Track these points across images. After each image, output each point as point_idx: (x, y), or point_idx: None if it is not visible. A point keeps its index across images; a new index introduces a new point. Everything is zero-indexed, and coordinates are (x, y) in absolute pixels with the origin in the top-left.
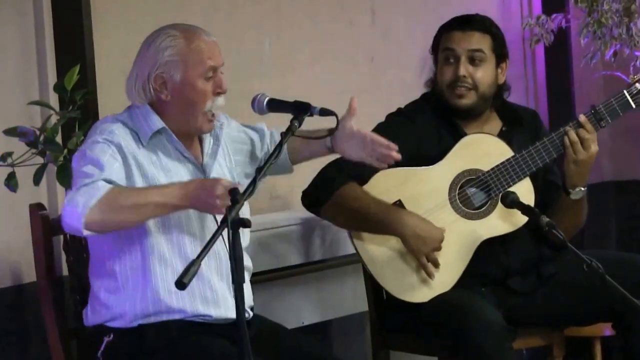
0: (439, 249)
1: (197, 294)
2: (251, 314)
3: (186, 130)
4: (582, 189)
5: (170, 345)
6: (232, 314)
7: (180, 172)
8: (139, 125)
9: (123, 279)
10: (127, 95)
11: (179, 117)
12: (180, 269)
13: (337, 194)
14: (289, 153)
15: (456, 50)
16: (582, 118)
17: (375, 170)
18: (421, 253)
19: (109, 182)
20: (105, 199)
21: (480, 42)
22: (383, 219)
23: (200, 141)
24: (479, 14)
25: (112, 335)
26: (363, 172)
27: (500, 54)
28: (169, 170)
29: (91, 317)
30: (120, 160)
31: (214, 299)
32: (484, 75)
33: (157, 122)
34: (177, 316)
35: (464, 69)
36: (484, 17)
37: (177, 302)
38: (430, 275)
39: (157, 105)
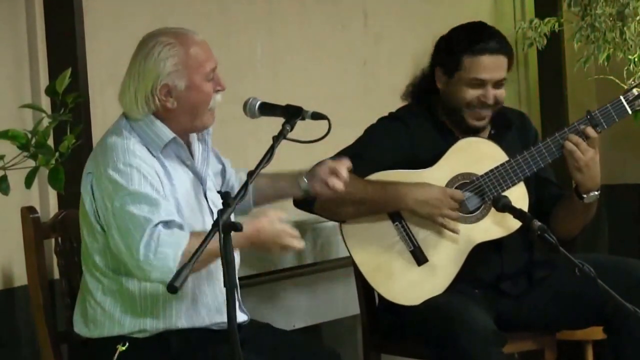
0: (452, 206)
1: (212, 306)
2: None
3: (190, 131)
4: (596, 193)
5: (188, 352)
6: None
7: (181, 178)
8: (146, 137)
9: (140, 298)
10: (126, 109)
11: (185, 121)
12: (195, 285)
13: None
14: (255, 190)
15: (485, 81)
16: (582, 127)
17: (369, 172)
18: (435, 216)
19: (179, 225)
20: (187, 252)
21: (504, 66)
22: (381, 197)
23: (188, 144)
24: (491, 27)
25: (127, 344)
26: (357, 172)
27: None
28: (173, 178)
29: (95, 329)
30: (157, 178)
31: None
32: (503, 93)
33: (168, 132)
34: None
35: (492, 96)
36: (501, 34)
37: (186, 320)
38: (455, 232)
39: (162, 113)
